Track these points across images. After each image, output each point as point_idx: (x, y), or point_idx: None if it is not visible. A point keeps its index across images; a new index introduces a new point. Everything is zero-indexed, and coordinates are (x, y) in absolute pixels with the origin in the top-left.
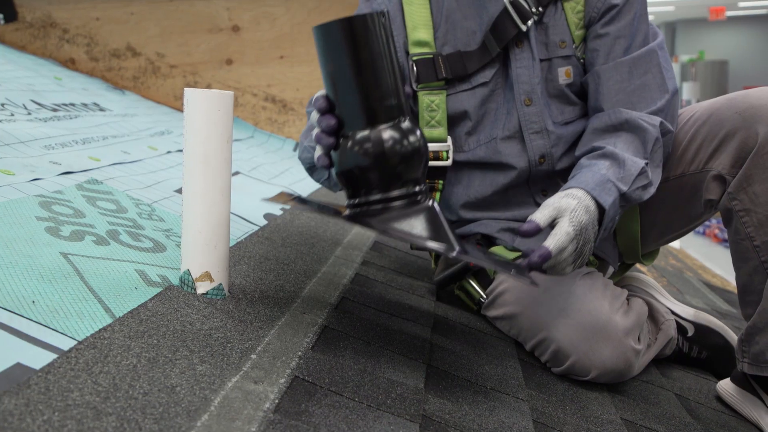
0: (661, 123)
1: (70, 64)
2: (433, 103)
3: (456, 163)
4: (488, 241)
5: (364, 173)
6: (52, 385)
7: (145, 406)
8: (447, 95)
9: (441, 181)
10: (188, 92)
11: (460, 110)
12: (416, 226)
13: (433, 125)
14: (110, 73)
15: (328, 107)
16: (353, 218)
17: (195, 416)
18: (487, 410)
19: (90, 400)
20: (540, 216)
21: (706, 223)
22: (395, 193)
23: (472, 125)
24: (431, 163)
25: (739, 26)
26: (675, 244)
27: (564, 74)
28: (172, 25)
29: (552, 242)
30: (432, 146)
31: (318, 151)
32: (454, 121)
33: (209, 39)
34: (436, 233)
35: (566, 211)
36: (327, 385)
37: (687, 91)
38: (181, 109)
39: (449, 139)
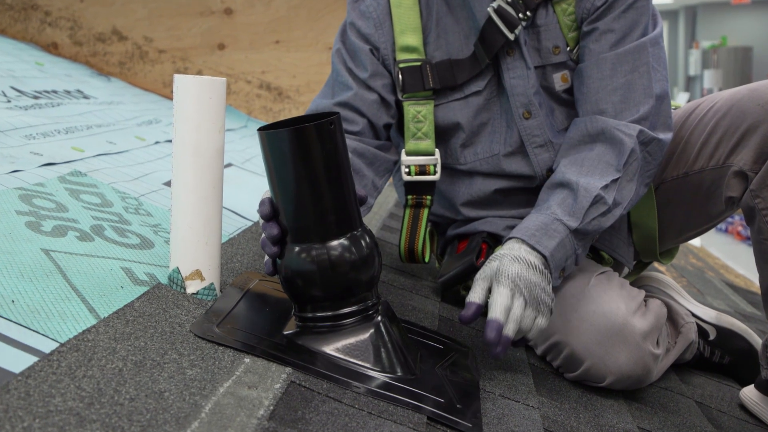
0: (640, 132)
1: (52, 48)
2: (419, 113)
3: (454, 170)
4: (494, 239)
5: (306, 289)
6: (32, 390)
7: (131, 412)
8: (436, 105)
9: (429, 197)
10: (178, 78)
11: (451, 121)
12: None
13: (419, 137)
14: (95, 58)
15: (272, 214)
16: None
17: (184, 423)
18: (495, 418)
19: (73, 406)
20: (475, 295)
21: (729, 219)
22: (344, 311)
23: (467, 137)
24: (418, 178)
25: (765, 10)
26: (695, 241)
27: (560, 80)
28: (160, 8)
29: (493, 310)
30: (418, 160)
31: (266, 257)
32: (445, 133)
33: (200, 22)
34: (387, 358)
35: (494, 275)
36: (325, 391)
37: (708, 79)
38: (170, 97)
39: (437, 152)
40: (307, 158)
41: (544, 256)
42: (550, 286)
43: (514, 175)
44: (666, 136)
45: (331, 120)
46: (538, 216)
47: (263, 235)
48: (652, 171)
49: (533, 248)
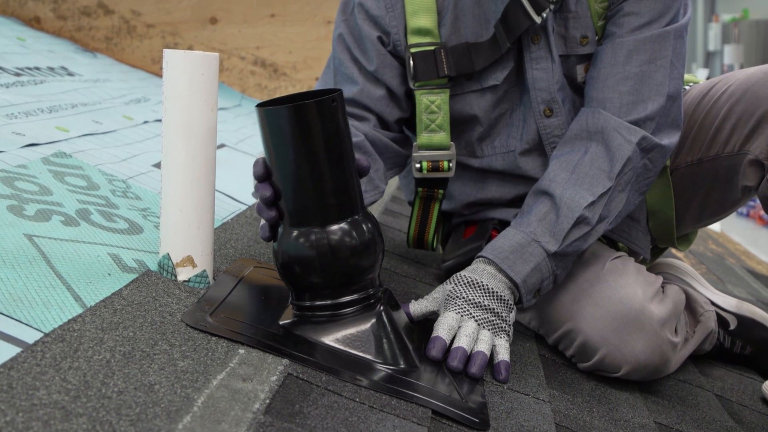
0: (642, 138)
1: (34, 23)
2: (433, 104)
3: (467, 167)
4: (505, 227)
5: (304, 277)
6: (15, 383)
7: (119, 406)
8: (452, 96)
9: (441, 191)
10: (168, 54)
11: (468, 114)
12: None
13: (433, 129)
14: (80, 33)
15: (266, 174)
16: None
17: (176, 417)
18: (503, 413)
19: (58, 399)
20: (441, 332)
21: (750, 203)
22: (344, 299)
23: (484, 130)
24: (430, 175)
25: None
26: (715, 226)
27: (584, 71)
28: None
29: (436, 330)
30: (431, 155)
31: (261, 221)
32: (461, 125)
33: None
34: (389, 349)
35: (443, 300)
36: (324, 383)
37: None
38: (159, 74)
39: (452, 146)
40: (308, 137)
41: (514, 282)
42: (512, 314)
43: (532, 178)
44: (671, 140)
45: (333, 97)
46: (515, 234)
47: (257, 200)
48: (651, 180)
49: (503, 272)
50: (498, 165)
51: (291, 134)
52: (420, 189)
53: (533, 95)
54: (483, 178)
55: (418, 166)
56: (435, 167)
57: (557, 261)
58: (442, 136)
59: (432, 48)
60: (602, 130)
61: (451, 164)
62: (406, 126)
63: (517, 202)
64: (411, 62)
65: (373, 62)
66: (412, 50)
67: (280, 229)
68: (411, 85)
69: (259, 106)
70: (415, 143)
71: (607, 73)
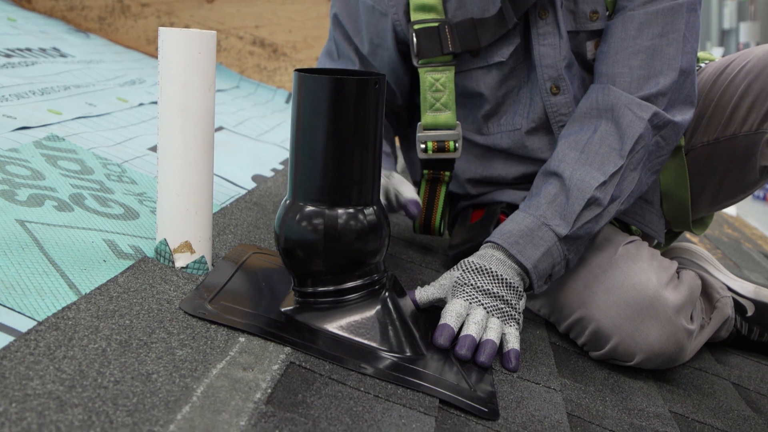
0: (654, 114)
1: (25, 2)
2: (438, 82)
3: (473, 143)
4: (513, 210)
5: (307, 261)
6: (8, 372)
7: (116, 396)
8: (457, 72)
9: (448, 173)
10: (163, 32)
11: (474, 91)
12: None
13: (438, 108)
14: (72, 13)
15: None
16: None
17: (174, 408)
18: (513, 402)
19: (52, 390)
20: (449, 319)
21: (766, 186)
22: (348, 285)
23: (491, 108)
24: (436, 155)
25: None
26: (731, 210)
27: (594, 47)
28: None
29: (443, 318)
30: (437, 135)
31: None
32: (467, 102)
33: None
34: (395, 338)
35: (450, 287)
36: (327, 372)
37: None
38: (154, 55)
39: (458, 125)
40: (342, 113)
41: (524, 268)
42: (522, 301)
43: (537, 159)
44: (685, 117)
45: (377, 79)
46: (525, 217)
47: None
48: (664, 158)
49: (512, 257)
50: (504, 143)
51: (327, 107)
52: (426, 171)
53: (539, 72)
54: (489, 155)
55: (422, 146)
56: (440, 147)
57: (569, 245)
58: (448, 115)
59: (436, 24)
60: (612, 107)
61: (457, 144)
62: (410, 107)
63: (522, 180)
64: (414, 39)
65: (366, 46)
66: (416, 27)
67: (283, 202)
68: (415, 62)
69: (297, 70)
70: (419, 123)
71: (617, 47)
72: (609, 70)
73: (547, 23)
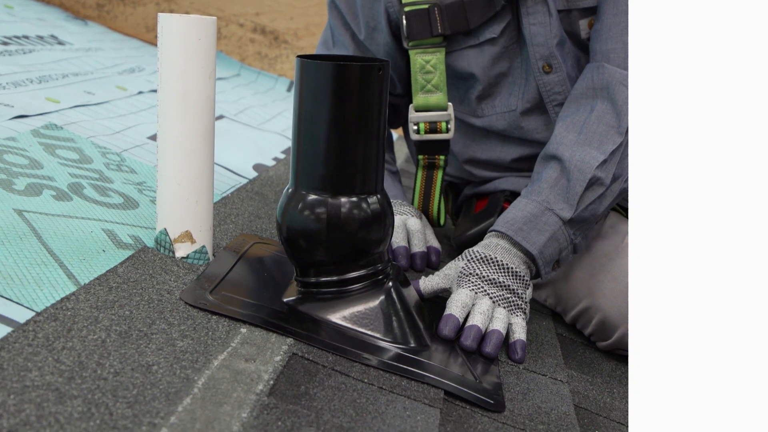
0: None
1: None
2: (428, 63)
3: (469, 125)
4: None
5: (310, 251)
6: (6, 363)
7: (116, 387)
8: (448, 53)
9: (443, 157)
10: (163, 18)
11: (465, 71)
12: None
13: (429, 90)
14: (70, 0)
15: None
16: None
17: (175, 399)
18: (519, 394)
19: (51, 381)
20: (454, 309)
21: None
22: (351, 275)
23: (483, 89)
24: (429, 137)
25: None
26: None
27: (587, 26)
28: None
29: (449, 308)
30: (428, 116)
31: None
32: (459, 83)
33: None
34: (399, 329)
35: (455, 277)
36: (330, 363)
37: None
38: (153, 43)
39: (450, 107)
40: (346, 100)
41: (530, 255)
42: (528, 290)
43: (534, 141)
44: None
45: (381, 65)
46: (527, 203)
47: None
48: None
49: (517, 245)
50: (499, 125)
51: (331, 93)
52: (421, 157)
53: (531, 51)
54: (485, 137)
55: (415, 127)
56: (433, 128)
57: (574, 228)
58: (439, 97)
59: (426, 6)
60: (607, 85)
61: (449, 125)
62: (404, 93)
63: (520, 162)
64: (404, 21)
65: (363, 30)
66: (407, 9)
67: (285, 190)
68: (405, 44)
69: (300, 57)
70: (411, 105)
71: (609, 23)
72: (603, 47)
73: (536, 2)
